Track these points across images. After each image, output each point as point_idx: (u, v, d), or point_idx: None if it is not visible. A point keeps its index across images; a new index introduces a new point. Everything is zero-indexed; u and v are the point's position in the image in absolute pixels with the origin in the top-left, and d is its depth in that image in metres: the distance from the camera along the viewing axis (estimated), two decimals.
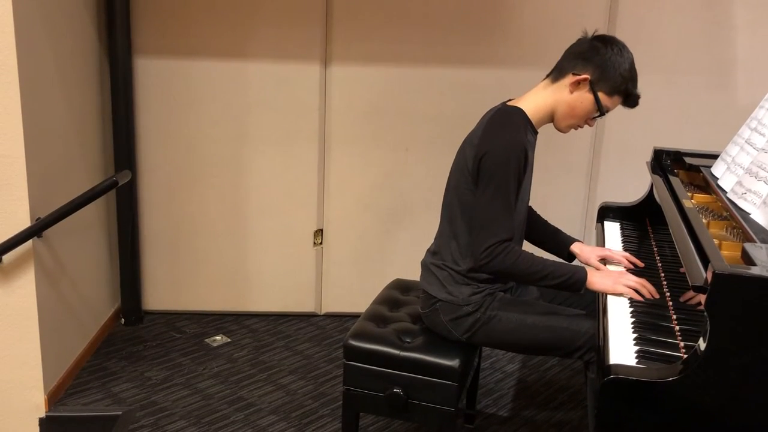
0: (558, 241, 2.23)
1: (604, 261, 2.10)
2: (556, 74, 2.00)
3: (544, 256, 1.98)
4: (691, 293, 1.81)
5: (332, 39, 3.12)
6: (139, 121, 3.13)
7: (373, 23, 3.10)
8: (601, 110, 1.95)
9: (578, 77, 1.92)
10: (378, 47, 3.13)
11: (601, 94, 1.93)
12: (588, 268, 1.92)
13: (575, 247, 2.19)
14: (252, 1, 3.05)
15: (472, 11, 3.11)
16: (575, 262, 2.16)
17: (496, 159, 1.88)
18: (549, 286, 1.91)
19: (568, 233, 2.29)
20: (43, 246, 2.48)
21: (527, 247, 2.18)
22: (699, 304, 1.74)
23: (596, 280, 1.88)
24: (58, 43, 2.59)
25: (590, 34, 1.99)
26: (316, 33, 3.10)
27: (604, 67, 1.91)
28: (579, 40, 2.00)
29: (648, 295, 1.83)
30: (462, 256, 2.02)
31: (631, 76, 1.94)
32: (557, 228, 2.28)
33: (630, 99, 1.97)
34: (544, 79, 2.04)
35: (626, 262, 2.07)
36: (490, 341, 2.06)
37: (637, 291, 1.84)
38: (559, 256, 2.23)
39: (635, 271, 2.03)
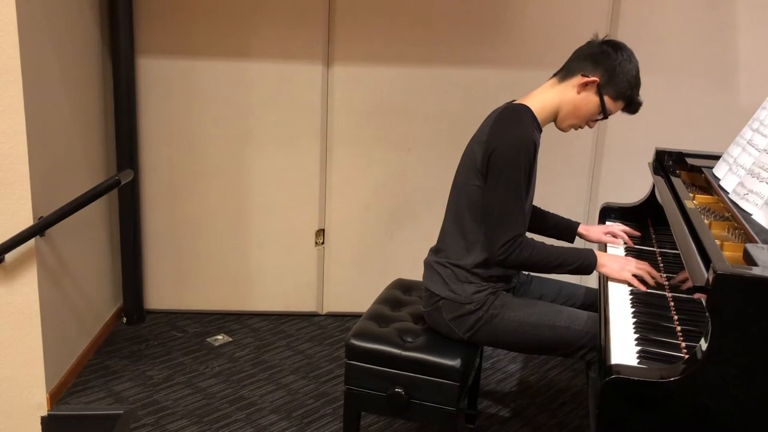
0: (563, 227, 2.31)
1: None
2: (564, 74, 2.02)
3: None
4: (684, 275, 1.84)
5: (334, 39, 3.12)
6: (141, 120, 3.13)
7: (375, 23, 3.11)
8: (605, 113, 2.00)
9: (587, 79, 1.96)
10: (380, 47, 3.13)
11: (606, 98, 1.97)
12: (597, 252, 1.99)
13: (582, 229, 2.30)
14: (255, 2, 3.05)
15: (474, 11, 3.12)
16: (584, 243, 2.30)
17: (506, 155, 1.90)
18: (563, 272, 1.97)
19: None
20: (45, 245, 2.48)
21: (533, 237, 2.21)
22: (692, 290, 1.76)
23: (605, 262, 1.97)
24: (62, 43, 2.59)
25: (600, 37, 2.02)
26: (319, 33, 3.10)
27: (613, 72, 1.95)
28: (589, 42, 2.03)
29: (651, 283, 1.91)
30: (468, 253, 2.03)
31: (637, 84, 1.99)
32: (557, 215, 2.34)
33: (632, 105, 2.02)
34: (551, 78, 2.06)
35: (625, 236, 2.24)
36: (491, 340, 2.06)
37: (642, 282, 1.91)
38: (567, 241, 2.33)
39: (638, 255, 2.12)
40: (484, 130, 2.00)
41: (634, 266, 1.94)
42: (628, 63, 1.96)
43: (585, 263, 1.96)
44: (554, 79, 2.05)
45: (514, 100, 2.08)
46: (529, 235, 2.01)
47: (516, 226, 1.91)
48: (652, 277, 1.92)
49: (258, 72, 3.13)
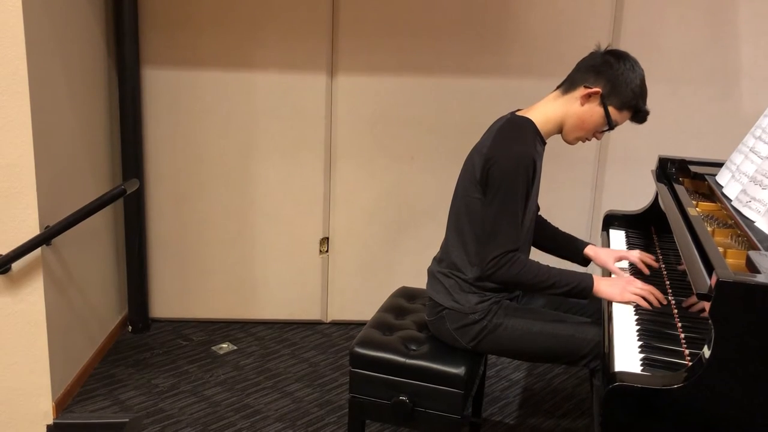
0: (571, 248, 2.25)
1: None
2: (568, 86, 2.01)
3: (558, 264, 2.01)
4: (693, 299, 1.82)
5: (338, 50, 3.14)
6: (147, 130, 3.15)
7: (378, 34, 3.13)
8: (610, 124, 1.96)
9: (590, 90, 1.93)
10: (383, 58, 3.15)
11: (611, 108, 1.94)
12: (595, 276, 1.94)
13: (589, 251, 2.21)
14: (259, 13, 3.08)
15: (476, 21, 3.13)
16: (591, 266, 2.21)
17: (504, 169, 1.89)
18: (556, 294, 1.94)
19: None
20: (51, 254, 2.50)
21: (540, 255, 2.19)
22: (702, 310, 1.75)
23: (603, 288, 1.91)
24: (68, 54, 2.62)
25: (603, 47, 2.00)
26: (323, 44, 3.12)
27: (616, 82, 1.92)
28: (591, 53, 2.01)
29: (656, 303, 1.85)
30: (470, 265, 2.03)
31: (642, 93, 1.95)
32: (569, 234, 2.29)
33: (639, 115, 1.98)
34: (555, 90, 2.05)
35: (640, 263, 2.09)
36: (496, 349, 2.07)
37: (645, 300, 1.86)
38: (574, 262, 2.26)
39: (641, 277, 2.04)
40: (486, 141, 2.00)
41: (637, 287, 1.88)
42: (631, 72, 1.92)
43: (580, 287, 1.91)
44: (557, 92, 2.03)
45: (517, 110, 2.08)
46: (537, 254, 1.97)
47: (507, 241, 1.89)
48: (658, 300, 1.86)
49: (263, 82, 3.15)
